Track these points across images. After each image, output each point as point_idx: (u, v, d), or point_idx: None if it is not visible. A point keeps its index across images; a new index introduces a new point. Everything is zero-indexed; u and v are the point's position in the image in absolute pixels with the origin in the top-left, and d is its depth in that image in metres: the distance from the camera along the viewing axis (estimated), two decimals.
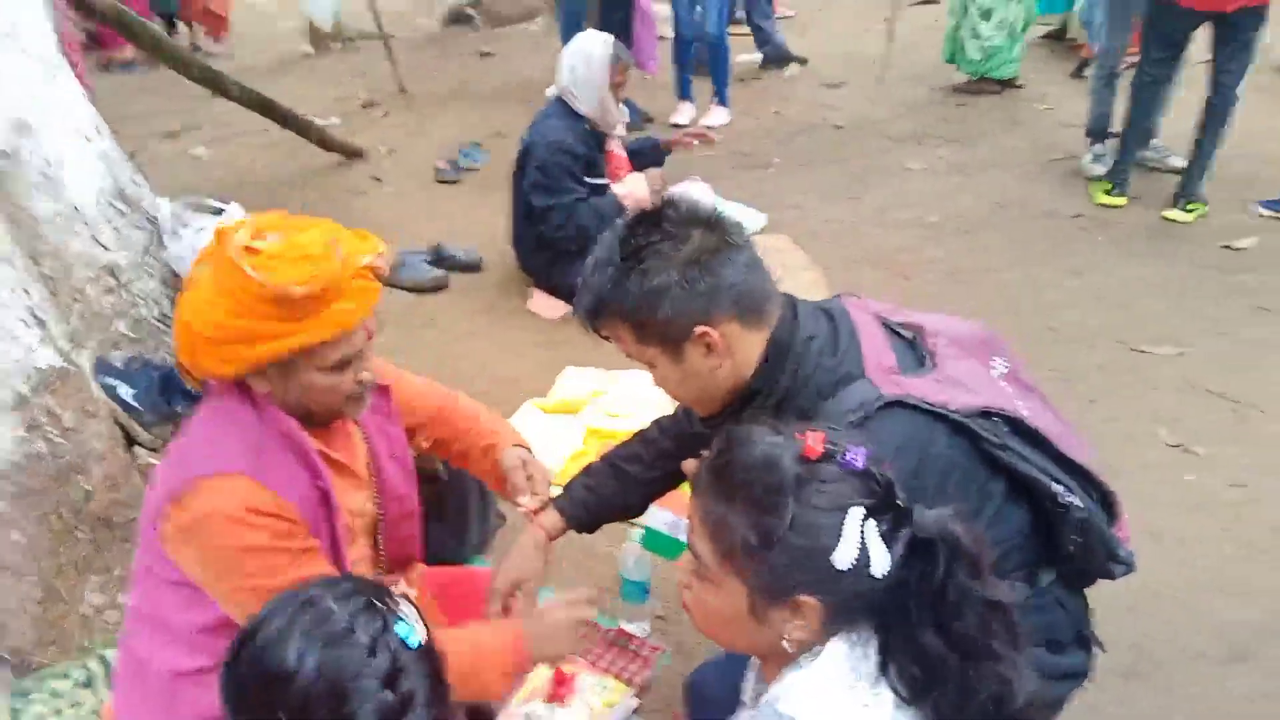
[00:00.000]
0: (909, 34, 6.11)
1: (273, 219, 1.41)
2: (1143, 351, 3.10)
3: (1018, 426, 1.33)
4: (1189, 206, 3.91)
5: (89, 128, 2.49)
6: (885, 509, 0.93)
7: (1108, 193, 4.07)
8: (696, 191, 3.77)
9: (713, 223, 1.32)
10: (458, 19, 7.29)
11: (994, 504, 1.31)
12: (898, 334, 1.41)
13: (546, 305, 3.38)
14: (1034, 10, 5.30)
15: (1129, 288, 3.49)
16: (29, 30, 2.28)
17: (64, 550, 2.00)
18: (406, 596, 0.97)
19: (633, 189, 3.38)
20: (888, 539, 0.92)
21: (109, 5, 3.04)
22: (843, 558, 0.90)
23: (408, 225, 4.12)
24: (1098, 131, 4.37)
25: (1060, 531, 1.34)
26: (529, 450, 1.71)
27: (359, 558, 1.58)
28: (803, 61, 6.11)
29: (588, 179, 3.30)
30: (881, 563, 0.91)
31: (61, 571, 1.98)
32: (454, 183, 4.57)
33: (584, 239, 3.29)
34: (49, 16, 2.40)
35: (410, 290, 3.51)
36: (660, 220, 1.30)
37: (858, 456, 0.93)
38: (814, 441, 0.94)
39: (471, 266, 3.66)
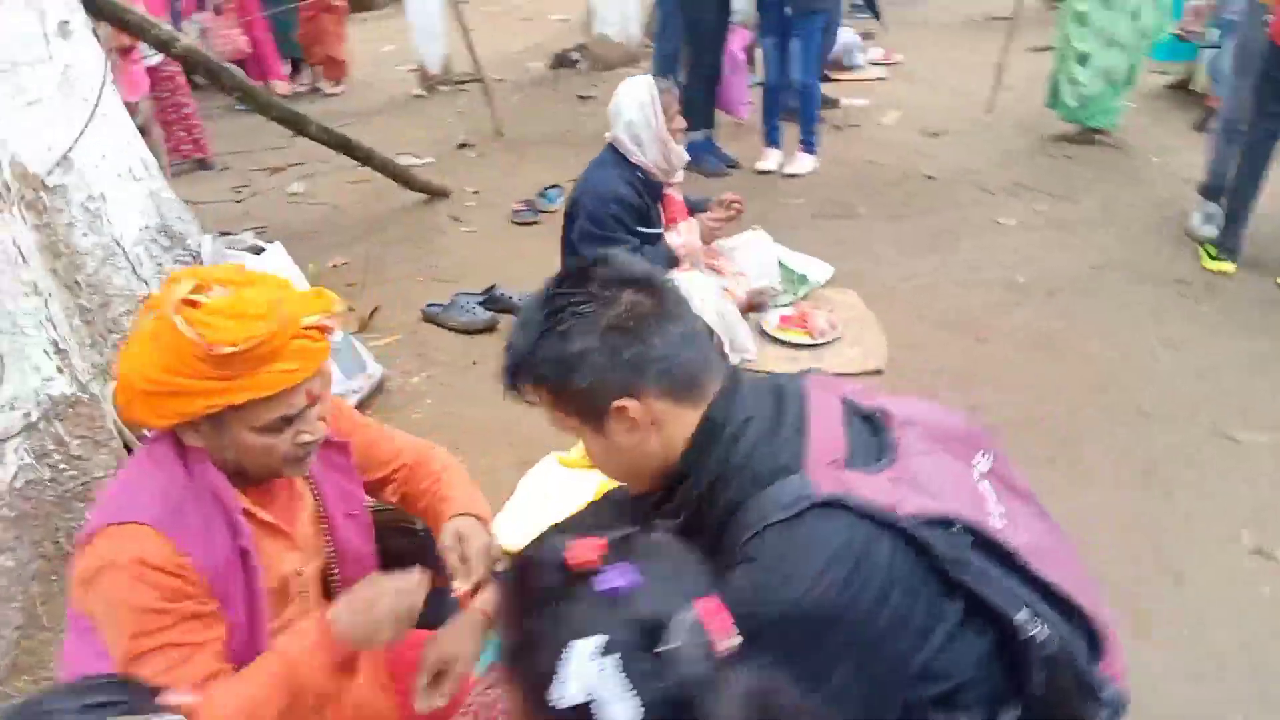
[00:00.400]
0: (1021, 81, 5.85)
1: (224, 271, 1.39)
2: (1236, 439, 2.77)
3: (984, 539, 1.15)
4: None
5: (138, 166, 2.58)
6: (645, 648, 0.78)
7: (1214, 257, 3.72)
8: (757, 240, 3.64)
9: (649, 286, 1.21)
10: (563, 63, 7.42)
11: (947, 627, 1.13)
12: (869, 419, 1.26)
13: None
14: (1140, 58, 4.94)
15: (1231, 365, 3.14)
16: (80, 74, 2.39)
17: (56, 578, 2.03)
18: (172, 706, 0.88)
19: (687, 238, 3.28)
20: (641, 686, 0.76)
21: (188, 50, 3.18)
22: (559, 695, 0.76)
23: (477, 265, 4.15)
24: (1213, 189, 4.01)
25: (1026, 664, 1.15)
26: (480, 520, 1.62)
27: (294, 619, 1.52)
28: (834, 104, 5.95)
29: (640, 228, 3.23)
30: (617, 714, 0.76)
31: (51, 599, 2.01)
32: (530, 224, 4.59)
33: None
34: (101, 59, 2.51)
35: (459, 331, 3.51)
36: (589, 279, 1.21)
37: (610, 579, 0.79)
38: (578, 551, 0.81)
39: None
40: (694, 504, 1.20)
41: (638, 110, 3.12)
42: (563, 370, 1.17)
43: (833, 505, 1.09)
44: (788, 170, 5.05)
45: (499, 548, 1.58)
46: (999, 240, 4.17)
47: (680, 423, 1.19)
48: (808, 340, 3.37)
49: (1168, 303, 3.55)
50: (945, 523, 1.12)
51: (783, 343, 3.38)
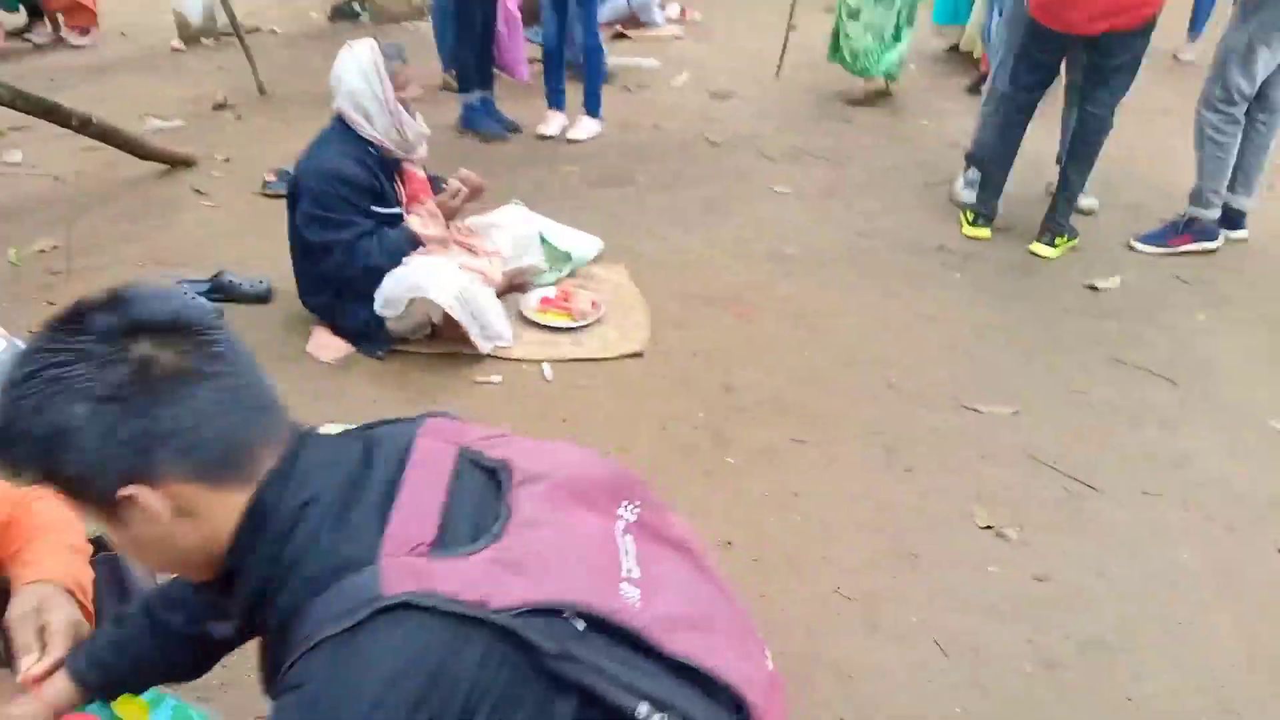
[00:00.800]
0: (813, 41, 5.83)
1: None
2: (977, 411, 2.80)
3: (604, 621, 0.98)
4: (1056, 241, 3.62)
5: None
6: None
7: (972, 223, 3.78)
8: (516, 215, 3.42)
9: (177, 333, 0.92)
10: (343, 14, 6.90)
11: None
12: (489, 473, 1.06)
13: (326, 346, 3.01)
14: (906, 17, 5.03)
15: (980, 334, 3.18)
16: None
17: None
18: None
19: (429, 219, 3.02)
20: None
21: None
22: None
23: (213, 245, 3.73)
24: (977, 156, 4.07)
25: None
26: (64, 589, 1.34)
27: None
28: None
29: (376, 209, 2.94)
30: None
31: None
32: (281, 196, 4.15)
33: (371, 277, 2.94)
34: None
35: None
36: (87, 327, 0.90)
37: None
38: None
39: (259, 298, 3.28)
40: (248, 608, 0.97)
41: (360, 79, 2.82)
42: (45, 452, 0.90)
43: (405, 607, 0.88)
44: (570, 135, 4.83)
45: (85, 625, 1.31)
46: (773, 209, 4.10)
47: (223, 508, 0.95)
48: (568, 323, 3.19)
49: (927, 272, 3.58)
50: (553, 610, 0.94)
51: (541, 326, 3.19)
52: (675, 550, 1.13)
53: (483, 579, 0.91)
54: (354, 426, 1.10)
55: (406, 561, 0.91)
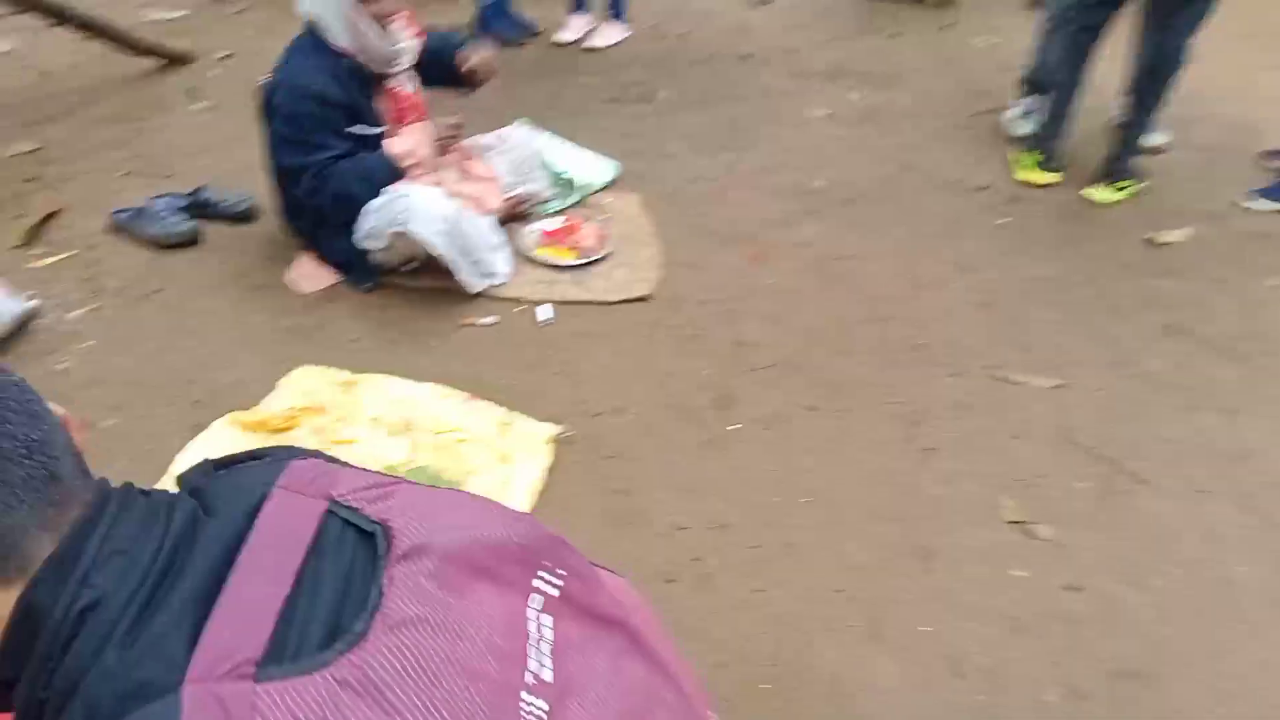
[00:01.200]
0: None
1: None
2: (1013, 382, 2.52)
3: None
4: (1117, 185, 3.25)
5: None
6: None
7: (1034, 166, 3.37)
8: (521, 137, 3.11)
9: None
10: None
11: None
12: (366, 537, 0.81)
13: (308, 276, 2.78)
14: None
15: (1023, 291, 2.87)
16: None
17: None
18: None
19: (414, 145, 2.73)
20: None
21: None
22: None
23: (201, 154, 3.49)
24: (1035, 83, 3.67)
25: None
26: None
27: None
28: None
29: (353, 130, 2.66)
30: None
31: None
32: None
33: (348, 206, 2.68)
34: None
35: (154, 245, 2.90)
36: None
37: None
38: None
39: (242, 217, 3.04)
40: None
41: None
42: None
43: None
44: (589, 43, 4.46)
45: None
46: (805, 135, 3.75)
47: None
48: (572, 260, 2.92)
49: (968, 215, 3.24)
50: None
51: (541, 264, 2.92)
52: (605, 629, 0.88)
53: (323, 710, 0.68)
54: (190, 469, 0.86)
55: (220, 689, 0.67)
